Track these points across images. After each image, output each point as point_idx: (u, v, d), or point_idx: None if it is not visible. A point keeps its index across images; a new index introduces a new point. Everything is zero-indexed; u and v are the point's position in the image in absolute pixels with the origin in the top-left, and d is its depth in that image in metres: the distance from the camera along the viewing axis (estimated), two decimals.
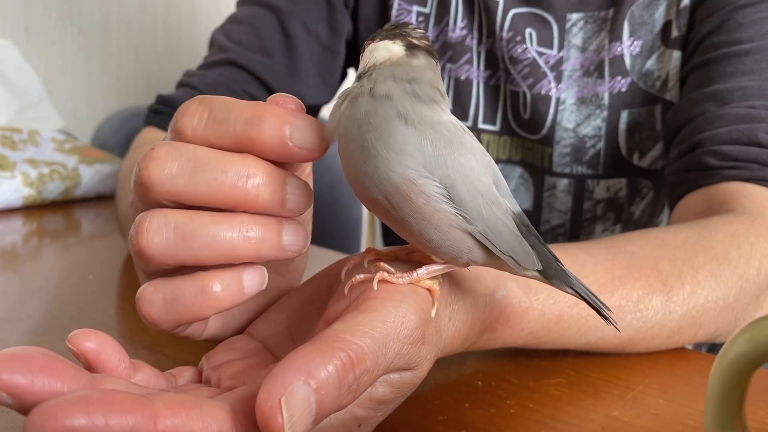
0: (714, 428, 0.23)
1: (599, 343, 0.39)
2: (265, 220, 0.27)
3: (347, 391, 0.23)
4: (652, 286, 0.39)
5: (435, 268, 0.29)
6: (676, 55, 0.59)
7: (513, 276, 0.34)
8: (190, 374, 0.30)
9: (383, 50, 0.29)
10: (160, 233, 0.26)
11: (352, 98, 0.27)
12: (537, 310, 0.36)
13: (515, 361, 0.41)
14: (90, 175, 0.80)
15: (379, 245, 0.87)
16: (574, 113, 0.60)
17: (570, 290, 0.30)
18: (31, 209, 0.75)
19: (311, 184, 0.30)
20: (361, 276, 0.28)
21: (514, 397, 0.35)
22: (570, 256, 0.38)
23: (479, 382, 0.37)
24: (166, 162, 0.26)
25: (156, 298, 0.28)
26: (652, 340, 0.39)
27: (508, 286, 0.35)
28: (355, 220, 1.09)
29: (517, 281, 0.35)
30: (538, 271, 0.29)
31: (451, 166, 0.26)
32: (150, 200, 0.27)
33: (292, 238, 0.28)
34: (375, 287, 0.27)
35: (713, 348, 0.65)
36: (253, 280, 0.28)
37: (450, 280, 0.32)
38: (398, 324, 0.26)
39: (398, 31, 0.29)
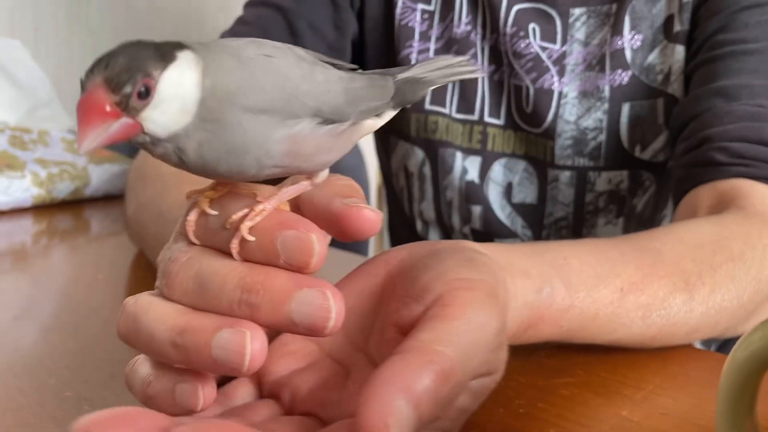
0: (725, 428, 0.23)
1: (626, 340, 0.39)
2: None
3: (441, 404, 0.23)
4: (676, 285, 0.39)
5: (290, 189, 0.27)
6: (679, 49, 0.59)
7: (557, 272, 0.34)
8: (248, 390, 0.29)
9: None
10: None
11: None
12: (577, 308, 0.36)
13: (524, 360, 0.40)
14: (99, 175, 0.80)
15: (386, 241, 0.87)
16: (575, 106, 0.60)
17: (433, 87, 0.32)
18: (41, 209, 0.75)
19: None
20: (238, 215, 0.26)
21: (522, 397, 0.35)
22: (602, 252, 0.38)
23: None
24: (177, 279, 0.26)
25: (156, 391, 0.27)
26: (672, 337, 0.40)
27: (553, 283, 0.35)
28: None
29: (561, 278, 0.35)
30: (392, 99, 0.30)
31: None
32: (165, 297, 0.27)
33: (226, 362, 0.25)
34: (253, 221, 0.25)
35: (723, 346, 0.65)
36: None
37: (502, 281, 0.31)
38: (481, 332, 0.26)
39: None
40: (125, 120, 0.23)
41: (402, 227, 0.75)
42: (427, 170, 0.66)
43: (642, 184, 0.62)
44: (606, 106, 0.60)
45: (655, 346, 0.40)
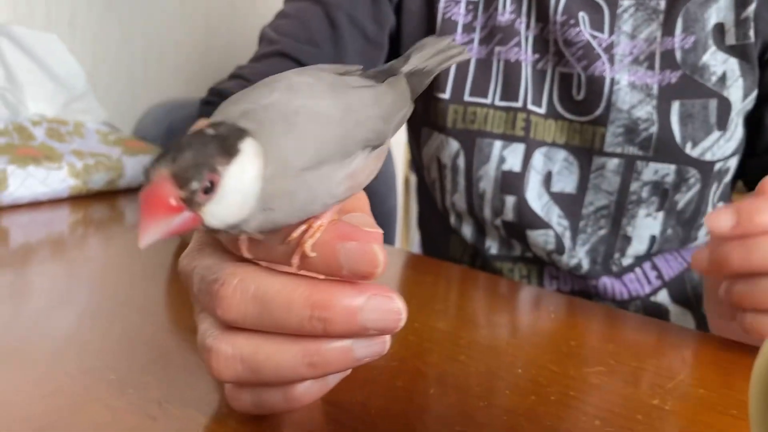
0: (759, 416, 0.23)
1: None
2: (330, 343, 0.27)
3: None
4: None
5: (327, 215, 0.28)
6: (733, 62, 0.60)
7: None
8: None
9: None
10: (229, 366, 0.27)
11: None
12: None
13: (555, 351, 0.41)
14: (133, 166, 0.82)
15: (414, 234, 0.87)
16: (628, 95, 0.61)
17: (433, 76, 0.34)
18: (78, 199, 0.77)
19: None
20: (297, 232, 0.27)
21: (554, 385, 0.36)
22: None
23: (519, 370, 0.37)
24: (233, 302, 0.27)
25: (244, 398, 0.29)
26: None
27: None
28: (390, 211, 1.10)
29: None
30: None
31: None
32: (218, 319, 0.28)
33: (365, 350, 0.27)
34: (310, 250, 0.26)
35: None
36: (337, 377, 0.30)
37: None
38: None
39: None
40: (187, 214, 0.23)
41: (434, 220, 0.75)
42: (461, 161, 0.66)
43: (687, 180, 0.62)
44: (655, 102, 0.60)
45: None
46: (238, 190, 0.24)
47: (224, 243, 0.29)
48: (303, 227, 0.26)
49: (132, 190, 0.83)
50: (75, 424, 0.30)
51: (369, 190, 0.32)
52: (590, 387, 0.36)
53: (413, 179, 1.52)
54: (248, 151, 0.24)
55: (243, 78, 0.66)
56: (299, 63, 0.66)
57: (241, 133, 0.24)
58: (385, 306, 0.26)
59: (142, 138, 0.98)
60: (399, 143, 1.58)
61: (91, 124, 0.87)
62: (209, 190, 0.23)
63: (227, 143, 0.24)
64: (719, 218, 0.38)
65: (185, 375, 0.36)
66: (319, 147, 0.26)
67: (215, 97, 0.66)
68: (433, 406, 0.33)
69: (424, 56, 0.35)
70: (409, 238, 1.64)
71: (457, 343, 0.32)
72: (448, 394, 0.34)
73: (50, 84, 0.87)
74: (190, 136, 0.24)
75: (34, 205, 0.73)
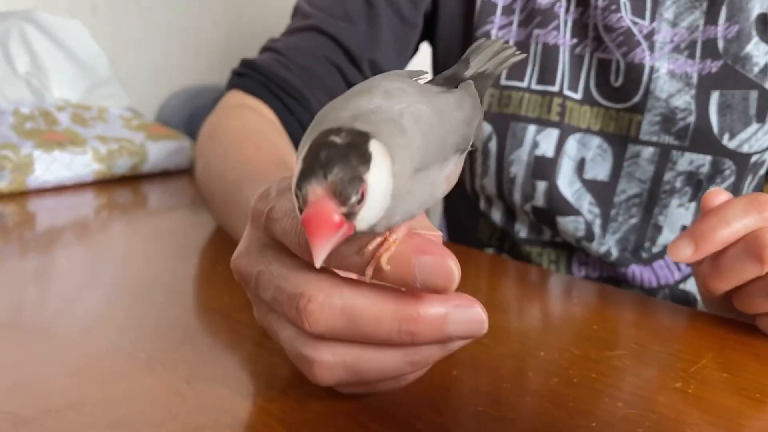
0: None
1: None
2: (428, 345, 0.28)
3: None
4: None
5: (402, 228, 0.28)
6: None
7: None
8: None
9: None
10: (332, 371, 0.28)
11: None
12: None
13: (577, 334, 0.41)
14: (156, 152, 0.82)
15: (434, 219, 0.88)
16: (666, 83, 0.60)
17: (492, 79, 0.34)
18: (102, 184, 0.78)
19: None
20: (373, 245, 0.27)
21: (576, 368, 0.36)
22: None
23: (542, 353, 0.38)
24: (321, 317, 0.27)
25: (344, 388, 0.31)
26: None
27: None
28: None
29: None
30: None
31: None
32: (305, 331, 0.28)
33: (462, 342, 0.29)
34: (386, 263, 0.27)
35: None
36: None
37: None
38: None
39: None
40: (346, 225, 0.24)
41: (463, 204, 0.74)
42: (493, 145, 0.66)
43: (722, 172, 0.62)
44: (694, 91, 0.60)
45: None
46: (380, 193, 0.25)
47: (290, 247, 0.29)
48: (378, 239, 0.27)
49: (155, 176, 0.84)
50: (105, 400, 0.31)
51: None
52: (612, 370, 0.36)
53: None
54: (377, 152, 0.25)
55: (276, 51, 0.66)
56: (332, 39, 0.65)
57: (365, 137, 0.25)
58: (468, 316, 0.27)
59: (164, 123, 0.98)
60: None
61: (115, 110, 0.88)
62: (361, 199, 0.24)
63: (361, 149, 0.24)
64: (679, 248, 0.40)
65: (213, 354, 0.36)
66: (426, 149, 0.26)
67: (247, 68, 0.66)
68: (457, 387, 0.33)
69: (482, 59, 0.35)
70: (434, 224, 1.64)
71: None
72: (471, 376, 0.34)
73: (74, 69, 0.88)
74: (325, 147, 0.24)
75: (60, 189, 0.74)
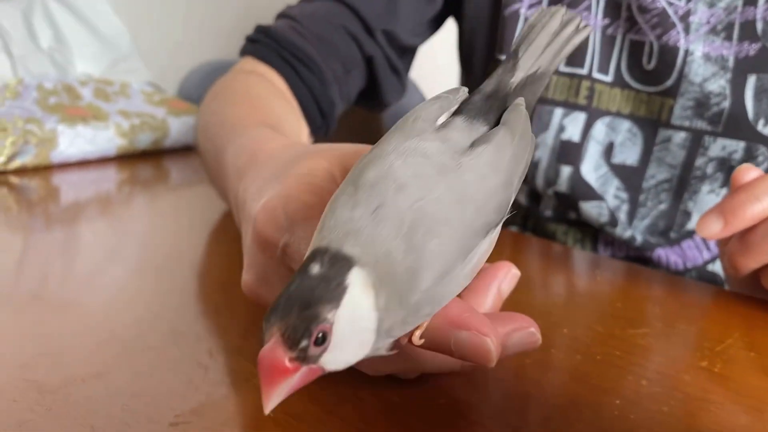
0: None
1: None
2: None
3: None
4: None
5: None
6: None
7: None
8: None
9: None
10: (388, 367, 0.29)
11: None
12: None
13: (601, 311, 0.41)
14: (178, 127, 0.83)
15: None
16: (701, 67, 0.58)
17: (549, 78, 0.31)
18: (124, 158, 0.78)
19: None
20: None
21: (600, 345, 0.36)
22: None
23: (565, 330, 0.37)
24: None
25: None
26: None
27: None
28: None
29: None
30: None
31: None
32: None
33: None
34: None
35: None
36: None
37: None
38: None
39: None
40: (305, 369, 0.22)
41: None
42: None
43: (755, 158, 0.60)
44: (729, 75, 0.58)
45: None
46: (352, 332, 0.23)
47: None
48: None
49: (176, 150, 0.84)
50: (129, 371, 0.31)
51: None
52: (637, 348, 0.36)
53: None
54: (356, 283, 0.22)
55: (291, 18, 0.65)
56: (350, 8, 0.65)
57: (346, 265, 0.22)
58: (475, 343, 0.26)
59: (185, 98, 0.99)
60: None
61: (136, 85, 0.88)
62: (321, 341, 0.22)
63: (333, 283, 0.22)
64: (708, 224, 0.39)
65: (235, 327, 0.36)
66: (440, 263, 0.24)
67: (261, 35, 0.65)
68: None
69: (534, 52, 0.30)
70: None
71: (504, 305, 0.32)
72: None
73: (96, 44, 0.88)
74: (298, 280, 0.22)
75: (83, 164, 0.75)
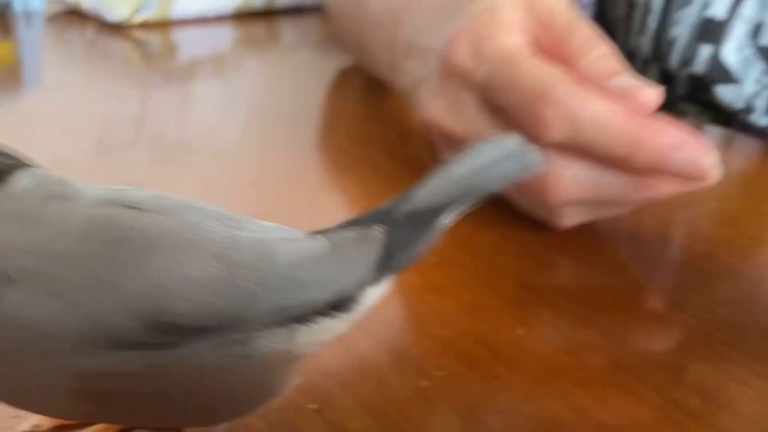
0: None
1: None
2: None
3: None
4: None
5: None
6: None
7: None
8: None
9: None
10: (569, 188, 0.31)
11: None
12: None
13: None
14: None
15: None
16: None
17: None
18: (239, 18, 0.80)
19: None
20: None
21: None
22: None
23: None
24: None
25: (575, 214, 0.33)
26: None
27: None
28: None
29: None
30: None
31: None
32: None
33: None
34: None
35: None
36: None
37: None
38: None
39: None
40: None
41: None
42: (657, 1, 0.60)
43: None
44: None
45: None
46: None
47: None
48: None
49: (288, 12, 0.84)
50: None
51: None
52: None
53: None
54: None
55: None
56: None
57: None
58: (692, 158, 0.29)
59: None
60: None
61: None
62: None
63: None
64: None
65: (331, 179, 0.38)
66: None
67: None
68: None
69: (445, 182, 0.21)
70: None
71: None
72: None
73: None
74: None
75: (200, 21, 0.77)
